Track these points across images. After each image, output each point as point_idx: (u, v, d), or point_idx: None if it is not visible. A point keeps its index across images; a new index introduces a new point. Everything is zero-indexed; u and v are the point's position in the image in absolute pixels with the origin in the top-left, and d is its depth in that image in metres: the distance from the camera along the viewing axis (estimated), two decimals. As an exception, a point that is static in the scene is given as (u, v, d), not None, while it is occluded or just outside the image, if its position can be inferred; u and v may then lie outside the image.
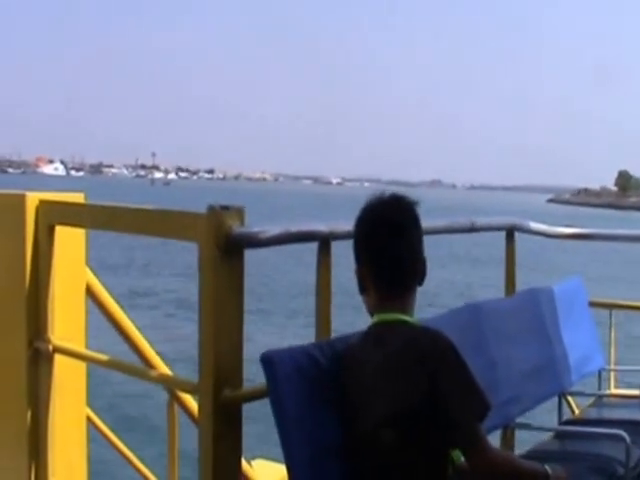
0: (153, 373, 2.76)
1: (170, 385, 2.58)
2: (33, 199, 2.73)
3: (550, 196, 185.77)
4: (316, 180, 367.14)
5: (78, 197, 2.86)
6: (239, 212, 2.21)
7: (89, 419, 2.99)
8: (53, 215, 2.72)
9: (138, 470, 3.21)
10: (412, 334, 2.13)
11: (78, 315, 2.87)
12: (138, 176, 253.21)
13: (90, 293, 2.91)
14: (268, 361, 2.11)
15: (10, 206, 2.79)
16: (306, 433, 2.11)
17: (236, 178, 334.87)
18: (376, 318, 2.19)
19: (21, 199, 2.73)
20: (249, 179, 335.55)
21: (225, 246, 2.17)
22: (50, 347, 2.72)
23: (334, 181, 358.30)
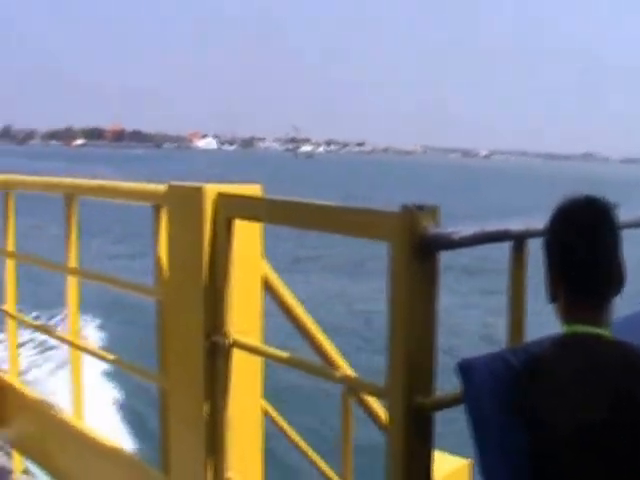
0: (334, 372, 2.66)
1: (354, 386, 2.47)
2: (211, 191, 2.68)
3: None
4: (464, 153, 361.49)
5: (255, 189, 2.79)
6: (433, 212, 2.06)
7: (265, 412, 2.95)
8: (231, 208, 2.65)
9: (315, 464, 3.13)
10: (618, 351, 1.96)
11: (255, 309, 2.81)
12: (288, 150, 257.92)
13: (267, 287, 2.85)
14: (467, 368, 2.01)
15: (188, 198, 2.75)
16: (504, 439, 2.01)
17: (385, 151, 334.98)
18: (567, 329, 2.02)
19: (199, 191, 2.69)
20: (398, 152, 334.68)
21: (420, 247, 2.03)
22: (228, 341, 2.67)
23: (482, 153, 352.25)
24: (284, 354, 2.55)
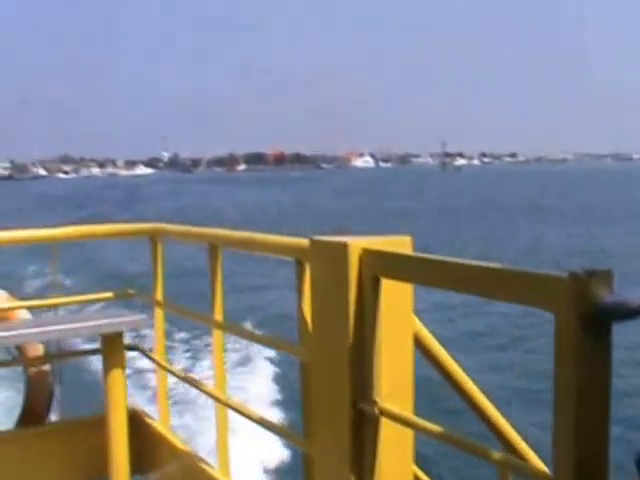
0: (493, 454, 2.37)
1: (514, 469, 2.19)
2: (356, 247, 2.48)
3: None
4: (617, 157, 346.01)
5: (404, 242, 2.56)
6: (607, 276, 1.77)
7: None
8: (377, 266, 2.44)
9: None
10: None
11: (406, 372, 2.58)
12: (443, 164, 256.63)
13: (419, 344, 2.62)
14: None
15: (332, 254, 2.57)
16: None
17: (538, 160, 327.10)
18: None
19: (343, 247, 2.49)
20: (551, 161, 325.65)
21: (591, 319, 1.75)
22: (376, 410, 2.45)
23: (635, 157, 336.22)
24: (437, 428, 2.30)
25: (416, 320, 2.63)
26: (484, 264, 2.10)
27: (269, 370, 13.67)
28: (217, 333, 3.74)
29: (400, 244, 2.56)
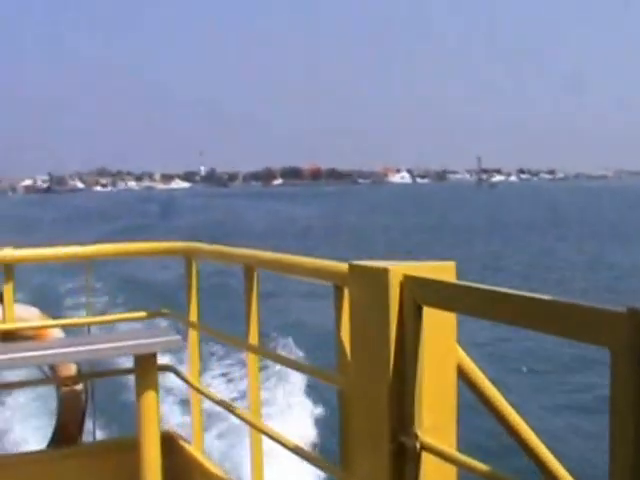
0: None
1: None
2: (397, 273, 2.38)
3: None
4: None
5: (448, 268, 2.46)
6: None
7: None
8: (420, 294, 2.33)
9: None
10: None
11: (449, 404, 2.47)
12: (480, 180, 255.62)
13: (462, 375, 2.51)
14: None
15: (372, 280, 2.47)
16: None
17: (576, 177, 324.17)
18: None
19: (384, 273, 2.39)
20: (590, 177, 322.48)
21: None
22: (417, 444, 2.35)
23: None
24: (482, 466, 2.18)
25: (459, 349, 2.52)
26: (533, 295, 1.98)
27: (305, 393, 13.14)
28: (252, 357, 3.66)
29: (443, 270, 2.46)
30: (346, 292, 2.83)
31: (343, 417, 2.87)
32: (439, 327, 2.43)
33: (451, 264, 2.47)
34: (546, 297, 1.94)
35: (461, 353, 2.52)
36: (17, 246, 4.81)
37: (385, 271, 2.39)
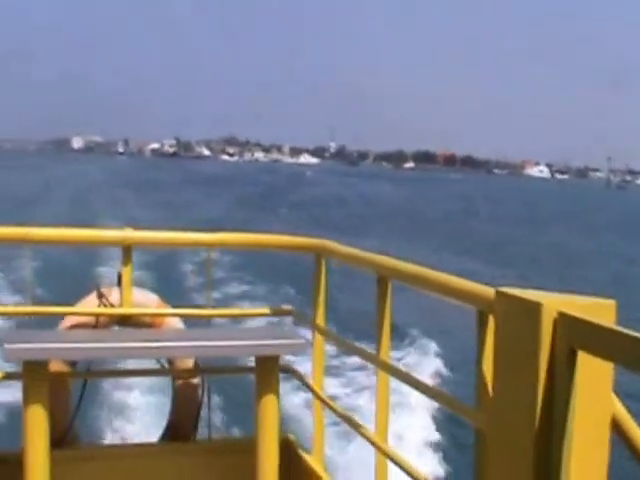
0: None
1: None
2: (551, 309, 2.09)
3: None
4: None
5: (607, 307, 2.15)
6: None
7: None
8: (574, 336, 2.04)
9: None
10: None
11: (600, 461, 2.18)
12: (624, 181, 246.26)
13: (616, 428, 2.21)
14: None
15: (521, 312, 2.19)
16: None
17: None
18: None
19: (536, 307, 2.11)
20: None
21: None
22: None
23: None
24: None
25: (615, 399, 2.22)
26: None
27: (431, 417, 11.60)
28: (382, 375, 3.43)
29: (602, 309, 2.15)
30: (490, 319, 2.55)
31: (479, 458, 2.61)
32: (594, 373, 2.13)
33: (611, 303, 2.17)
34: None
35: (617, 404, 2.23)
36: (136, 221, 4.64)
37: (537, 305, 2.12)
